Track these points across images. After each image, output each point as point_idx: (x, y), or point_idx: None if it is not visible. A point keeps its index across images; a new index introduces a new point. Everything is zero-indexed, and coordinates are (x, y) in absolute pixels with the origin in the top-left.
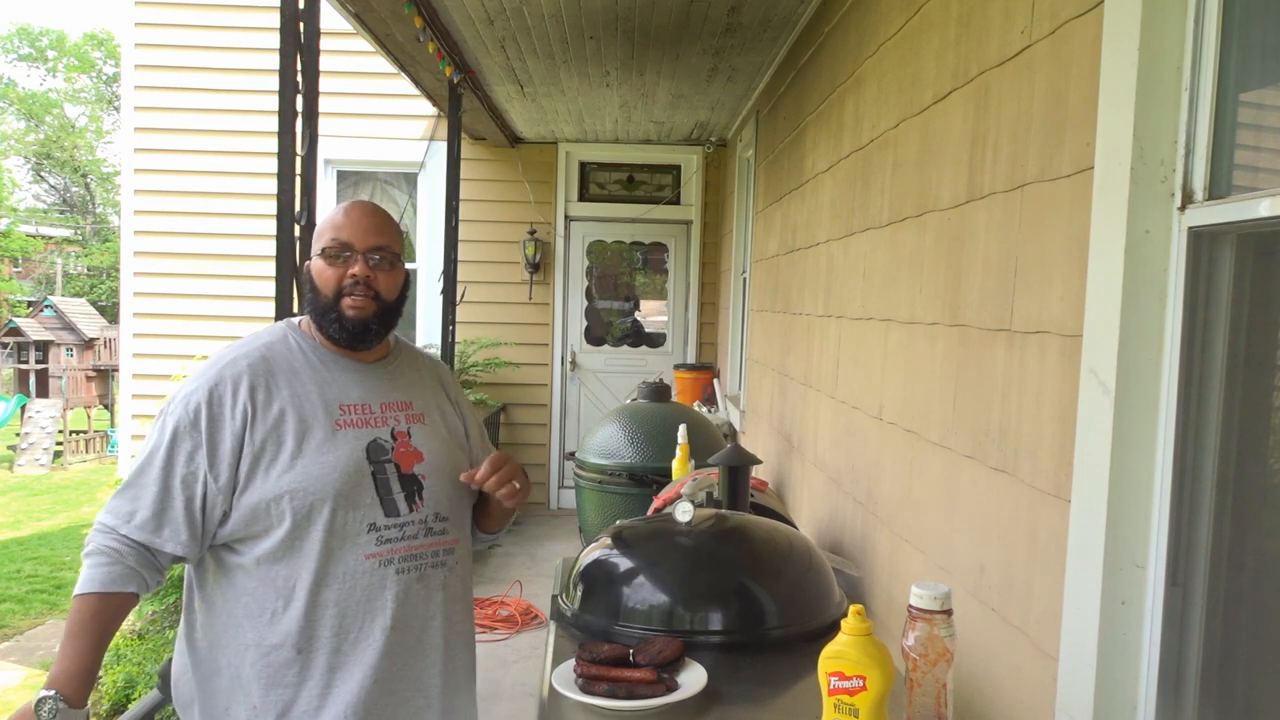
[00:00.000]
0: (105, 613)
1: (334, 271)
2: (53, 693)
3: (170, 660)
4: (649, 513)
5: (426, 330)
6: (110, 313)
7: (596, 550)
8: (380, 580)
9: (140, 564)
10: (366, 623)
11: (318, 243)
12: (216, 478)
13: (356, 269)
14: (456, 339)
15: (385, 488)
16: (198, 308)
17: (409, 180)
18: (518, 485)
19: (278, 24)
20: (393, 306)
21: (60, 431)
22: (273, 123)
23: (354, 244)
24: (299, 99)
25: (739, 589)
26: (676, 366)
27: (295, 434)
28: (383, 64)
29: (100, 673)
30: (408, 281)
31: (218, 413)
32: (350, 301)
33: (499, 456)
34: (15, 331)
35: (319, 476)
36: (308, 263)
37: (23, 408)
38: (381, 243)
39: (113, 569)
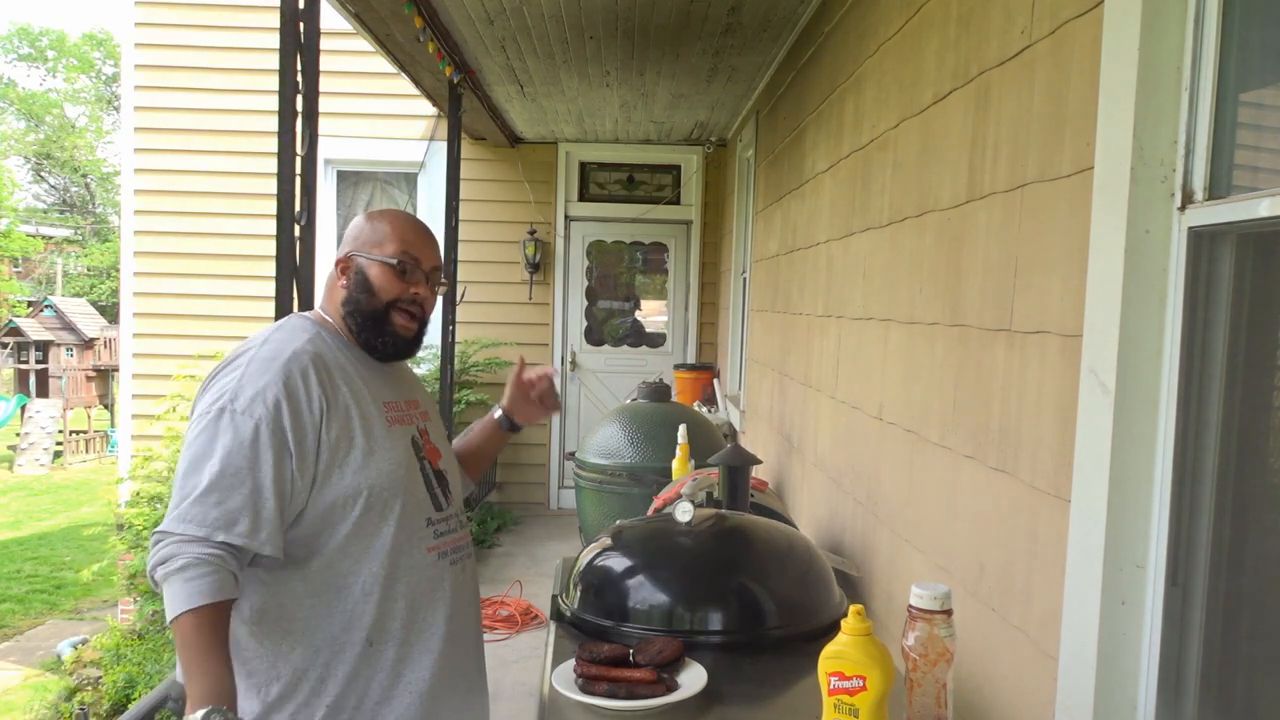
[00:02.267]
0: (220, 621)
1: (398, 285)
2: (210, 708)
3: (174, 679)
4: (649, 513)
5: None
6: (110, 313)
7: (596, 550)
8: (440, 572)
9: (239, 569)
10: (431, 613)
11: (380, 249)
12: (303, 474)
13: (421, 290)
14: (456, 339)
15: (429, 483)
16: (198, 308)
17: (409, 180)
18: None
19: (278, 24)
20: (427, 325)
21: (60, 431)
22: (273, 123)
23: (422, 262)
24: (299, 99)
25: (739, 589)
26: (676, 366)
27: (363, 429)
28: (383, 64)
29: (100, 673)
30: None
31: (297, 407)
32: (402, 320)
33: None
34: (15, 331)
35: (390, 472)
36: (346, 259)
37: (23, 408)
38: (440, 264)
39: (219, 576)
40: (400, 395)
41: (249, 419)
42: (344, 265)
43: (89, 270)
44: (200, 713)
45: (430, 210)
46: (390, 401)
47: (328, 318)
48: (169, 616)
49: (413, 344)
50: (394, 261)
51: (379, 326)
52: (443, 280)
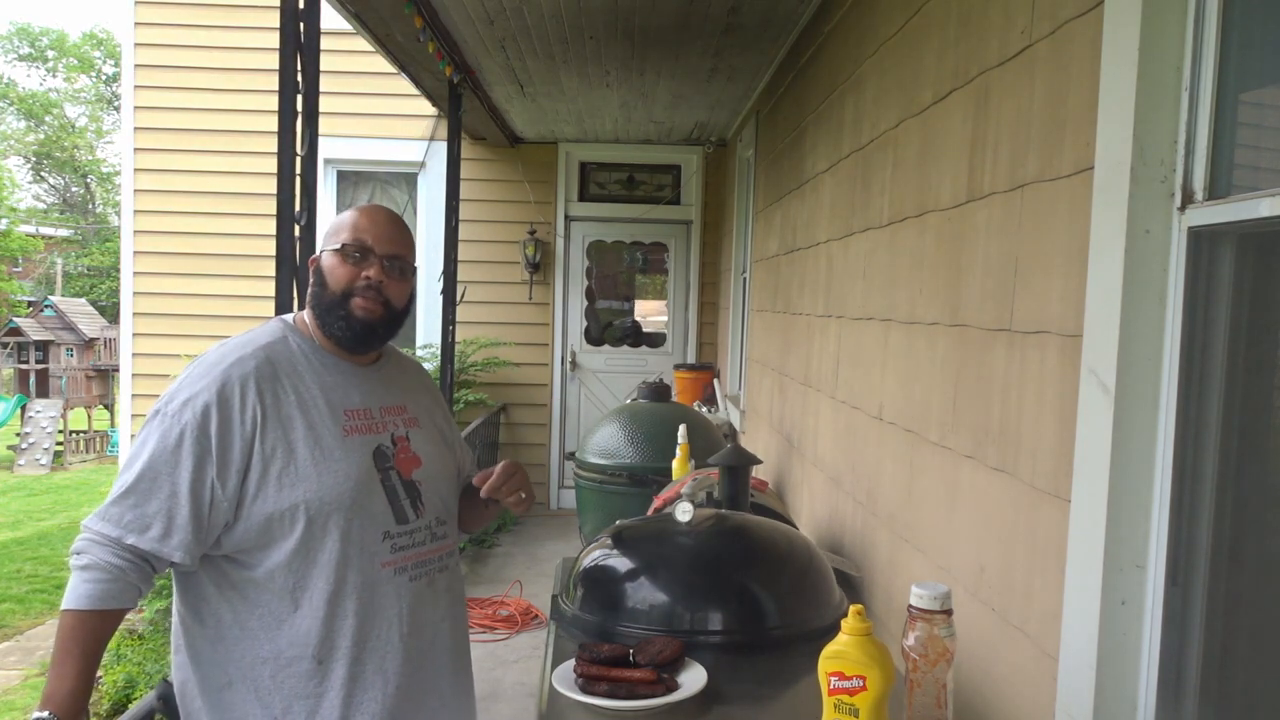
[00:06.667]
0: (101, 629)
1: (347, 270)
2: (48, 714)
3: (165, 681)
4: (649, 513)
5: (426, 330)
6: (110, 313)
7: (596, 550)
8: (397, 588)
9: (140, 578)
10: (385, 630)
11: (333, 239)
12: (224, 484)
13: (372, 272)
14: (456, 339)
15: (393, 494)
16: (198, 308)
17: (409, 180)
18: (523, 495)
19: (278, 24)
20: (399, 315)
21: (60, 431)
22: (273, 123)
23: (373, 248)
24: (299, 99)
25: (739, 589)
26: (676, 366)
27: (306, 441)
28: (383, 64)
29: (100, 672)
30: (414, 293)
31: (227, 417)
32: (360, 302)
33: (511, 465)
34: (15, 331)
35: (333, 486)
36: (315, 257)
37: (23, 408)
38: (398, 251)
39: (112, 586)
40: (377, 402)
41: (177, 424)
42: (313, 264)
43: (89, 270)
44: (37, 715)
45: (430, 210)
46: (355, 409)
47: (306, 320)
48: (61, 606)
49: (378, 328)
50: (339, 246)
51: (334, 312)
52: (396, 263)
